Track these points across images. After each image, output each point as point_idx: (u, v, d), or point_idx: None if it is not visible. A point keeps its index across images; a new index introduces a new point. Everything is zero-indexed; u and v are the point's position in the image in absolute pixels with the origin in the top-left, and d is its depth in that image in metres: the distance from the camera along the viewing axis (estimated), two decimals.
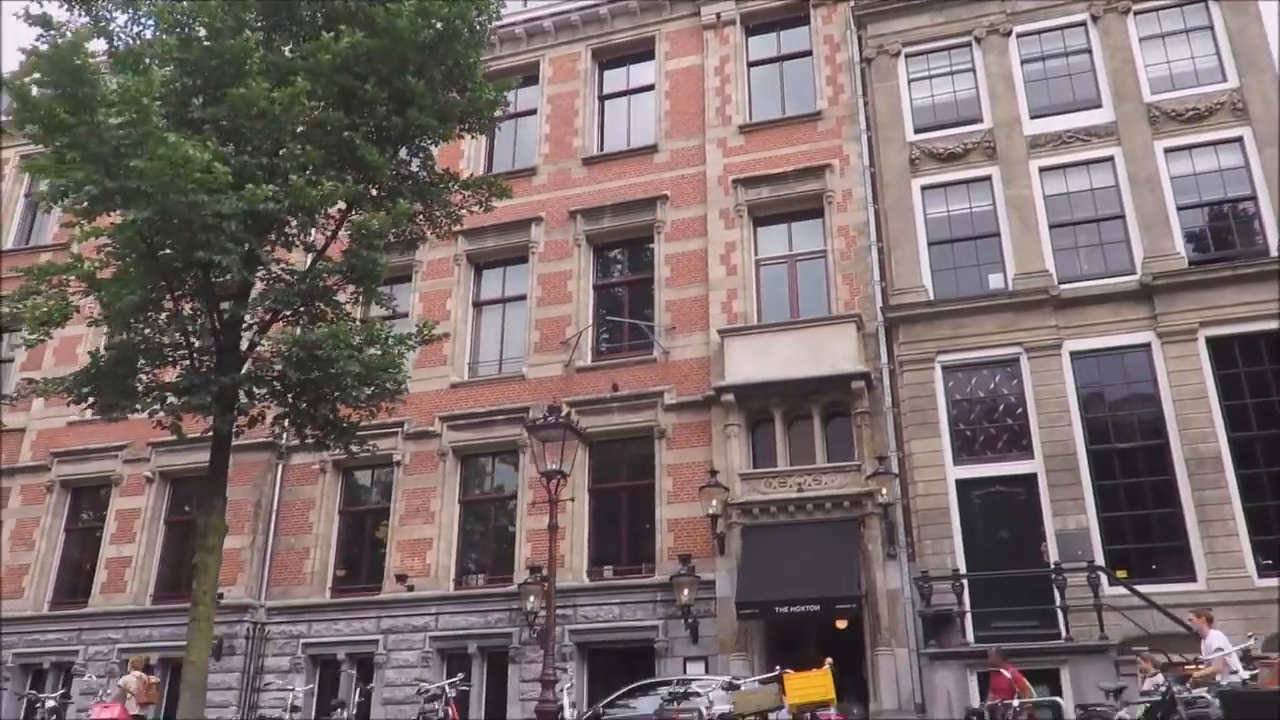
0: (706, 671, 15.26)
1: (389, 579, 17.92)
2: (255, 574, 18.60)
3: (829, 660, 10.44)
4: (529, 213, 19.54)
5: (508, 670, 16.61)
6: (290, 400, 12.52)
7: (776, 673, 10.30)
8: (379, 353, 12.30)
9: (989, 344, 16.06)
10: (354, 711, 11.77)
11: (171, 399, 11.96)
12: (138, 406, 12.26)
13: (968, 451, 15.80)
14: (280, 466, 19.28)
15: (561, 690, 10.40)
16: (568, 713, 10.16)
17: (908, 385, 16.22)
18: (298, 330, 12.46)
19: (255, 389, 12.16)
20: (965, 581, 14.57)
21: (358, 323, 12.54)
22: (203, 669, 11.88)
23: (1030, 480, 15.30)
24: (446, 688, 10.76)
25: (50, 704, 12.64)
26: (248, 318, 12.47)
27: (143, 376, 12.38)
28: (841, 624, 15.86)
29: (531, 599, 16.37)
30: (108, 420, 20.16)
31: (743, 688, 10.84)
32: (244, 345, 12.70)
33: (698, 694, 11.29)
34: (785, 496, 16.08)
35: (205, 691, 12.38)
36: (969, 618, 14.62)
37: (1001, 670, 12.45)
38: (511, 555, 17.59)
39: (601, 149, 20.27)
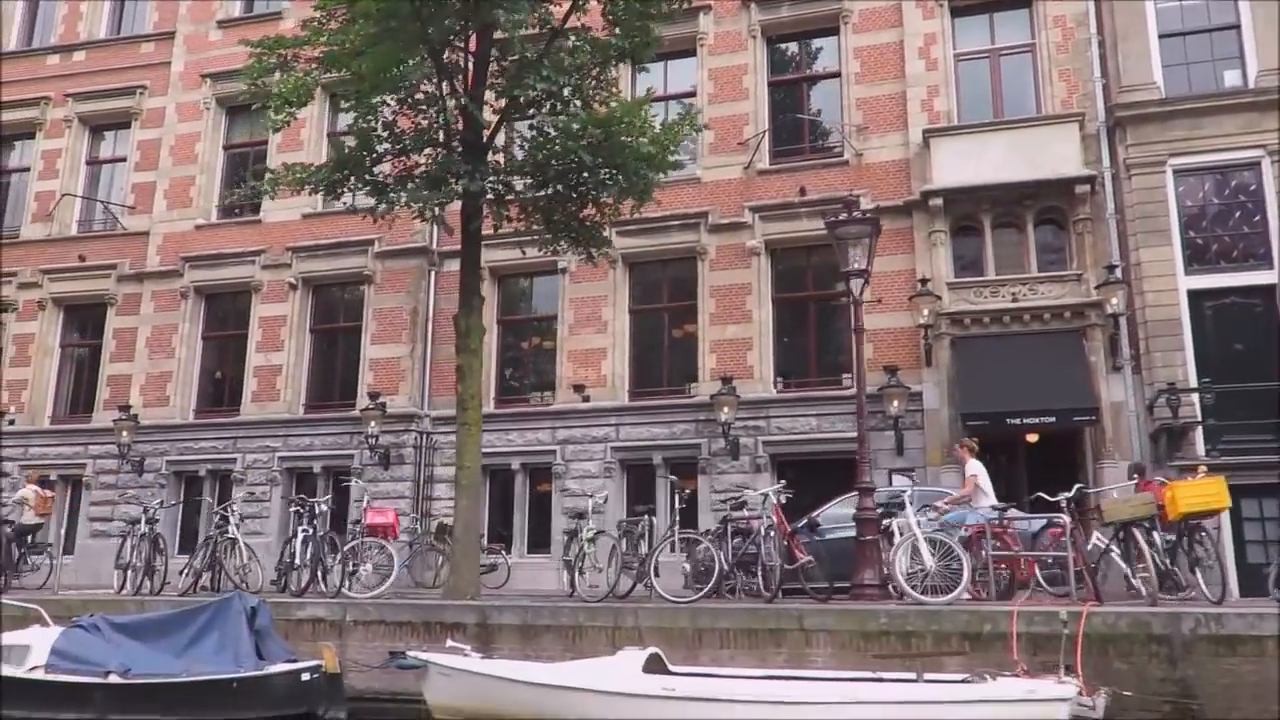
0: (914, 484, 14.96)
1: (561, 389, 17.36)
2: (417, 384, 18.04)
3: (1202, 469, 10.00)
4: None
5: (697, 481, 16.28)
6: (555, 192, 11.45)
7: (1136, 480, 9.82)
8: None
9: (1228, 145, 14.97)
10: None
11: (424, 190, 10.87)
12: (391, 197, 11.18)
13: (1200, 261, 14.97)
14: (433, 274, 18.39)
15: (907, 498, 9.85)
16: (911, 521, 9.57)
17: (1136, 190, 15.21)
18: (560, 116, 11.24)
19: (523, 177, 11.08)
20: (1198, 396, 14.10)
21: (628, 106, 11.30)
22: (475, 473, 11.40)
23: (1269, 291, 14.55)
24: (771, 494, 10.27)
25: (322, 508, 12.17)
26: (492, 100, 11.24)
27: (386, 166, 11.28)
28: (1032, 438, 15.53)
29: (725, 410, 15.86)
30: (243, 223, 19.41)
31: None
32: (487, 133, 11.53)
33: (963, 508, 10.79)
34: (999, 306, 15.34)
35: (479, 497, 11.94)
36: (1199, 431, 14.23)
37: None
38: (693, 365, 16.95)
39: None
